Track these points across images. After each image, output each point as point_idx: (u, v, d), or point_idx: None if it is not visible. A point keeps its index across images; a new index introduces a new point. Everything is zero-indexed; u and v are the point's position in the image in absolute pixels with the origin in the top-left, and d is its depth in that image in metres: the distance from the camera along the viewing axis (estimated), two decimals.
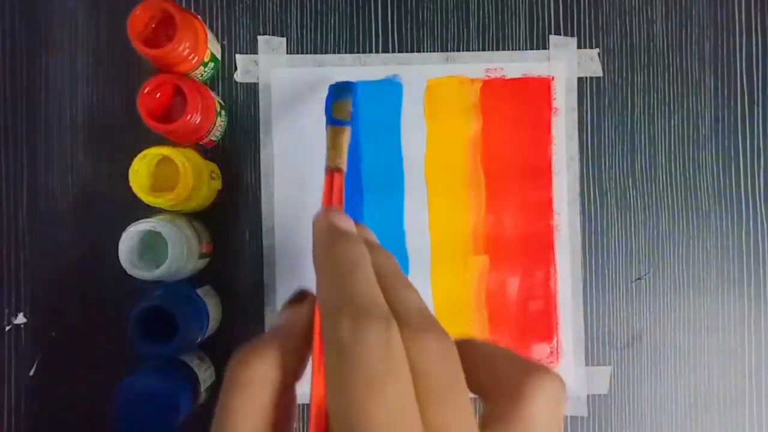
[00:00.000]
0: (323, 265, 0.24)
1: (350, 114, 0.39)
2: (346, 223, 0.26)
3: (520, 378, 0.22)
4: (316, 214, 0.27)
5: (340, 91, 0.40)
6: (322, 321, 0.22)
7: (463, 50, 0.48)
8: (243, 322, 0.47)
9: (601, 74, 0.49)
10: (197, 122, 0.42)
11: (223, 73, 0.48)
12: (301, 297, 0.26)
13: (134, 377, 0.39)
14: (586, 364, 0.48)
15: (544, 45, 0.49)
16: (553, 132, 0.48)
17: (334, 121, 0.39)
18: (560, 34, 0.49)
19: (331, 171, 0.35)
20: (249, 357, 0.23)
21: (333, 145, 0.37)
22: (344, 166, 0.36)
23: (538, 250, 0.48)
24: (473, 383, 0.22)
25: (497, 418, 0.22)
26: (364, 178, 0.48)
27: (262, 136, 0.48)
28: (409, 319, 0.22)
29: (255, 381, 0.22)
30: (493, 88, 0.48)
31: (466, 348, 0.23)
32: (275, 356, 0.23)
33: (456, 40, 0.48)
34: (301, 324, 0.25)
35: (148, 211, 0.43)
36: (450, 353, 0.22)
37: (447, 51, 0.48)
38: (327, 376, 0.21)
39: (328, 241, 0.25)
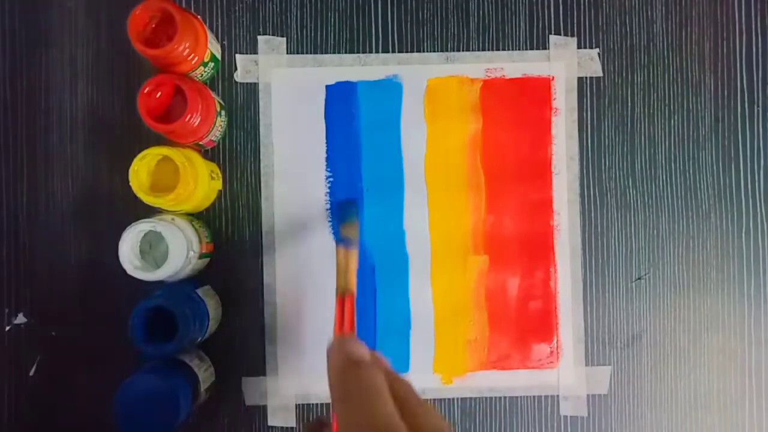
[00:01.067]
0: (341, 394, 0.25)
1: (359, 234, 0.39)
2: (361, 351, 0.27)
3: None
4: (330, 343, 0.28)
5: (345, 210, 0.40)
6: None
7: (463, 50, 0.48)
8: (243, 322, 0.47)
9: (601, 74, 0.49)
10: (197, 122, 0.42)
11: (223, 73, 0.48)
12: (319, 424, 0.28)
13: (134, 377, 0.39)
14: (586, 364, 0.48)
15: (544, 45, 0.49)
16: (553, 132, 0.48)
17: (343, 241, 0.39)
18: (560, 34, 0.49)
19: (342, 295, 0.35)
20: None
21: (343, 269, 0.37)
22: (354, 289, 0.36)
23: (538, 250, 0.48)
24: None
25: None
26: (364, 178, 0.48)
27: (262, 136, 0.48)
28: None
29: None
30: (493, 88, 0.48)
31: None
32: None
33: (456, 40, 0.48)
34: None
35: (148, 211, 0.43)
36: None
37: (447, 51, 0.48)
38: None
39: (345, 370, 0.26)
